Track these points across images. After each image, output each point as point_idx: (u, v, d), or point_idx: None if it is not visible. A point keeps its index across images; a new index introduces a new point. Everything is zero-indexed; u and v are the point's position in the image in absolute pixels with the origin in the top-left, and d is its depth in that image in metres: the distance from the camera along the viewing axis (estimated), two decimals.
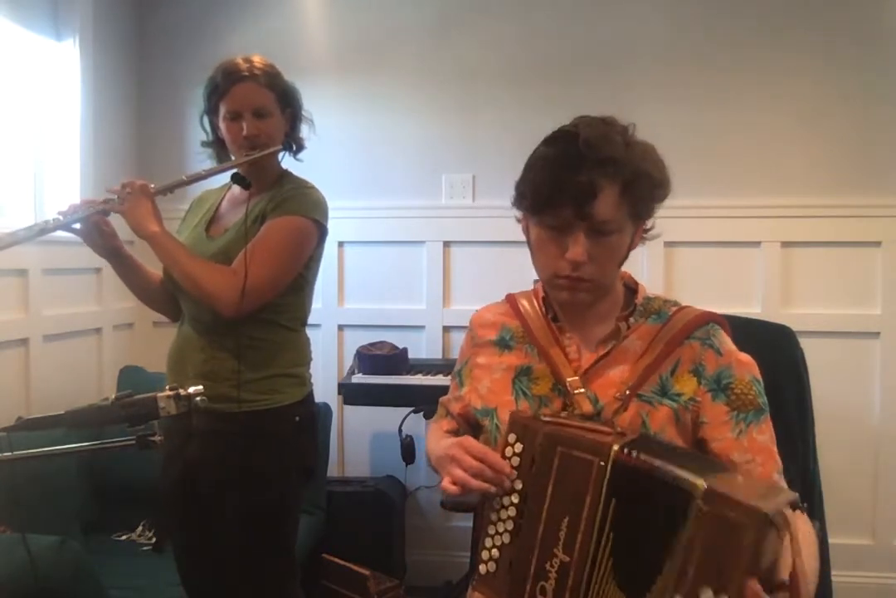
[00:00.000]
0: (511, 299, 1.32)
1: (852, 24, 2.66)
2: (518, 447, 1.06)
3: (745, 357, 1.19)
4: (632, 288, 1.26)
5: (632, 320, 1.20)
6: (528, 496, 1.05)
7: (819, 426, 1.89)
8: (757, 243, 2.72)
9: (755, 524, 0.85)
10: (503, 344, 1.27)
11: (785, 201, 2.69)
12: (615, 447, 0.98)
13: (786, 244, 2.70)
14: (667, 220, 2.72)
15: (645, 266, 2.75)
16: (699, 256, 2.76)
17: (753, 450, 1.13)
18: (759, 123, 2.72)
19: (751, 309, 2.69)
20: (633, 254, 1.18)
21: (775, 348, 1.87)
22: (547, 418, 1.07)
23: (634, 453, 0.97)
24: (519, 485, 1.06)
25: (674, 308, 1.22)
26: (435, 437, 1.30)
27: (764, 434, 1.15)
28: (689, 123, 2.75)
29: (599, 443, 0.99)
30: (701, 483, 0.90)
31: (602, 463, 0.98)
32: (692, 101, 2.75)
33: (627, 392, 1.14)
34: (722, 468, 1.04)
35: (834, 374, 2.63)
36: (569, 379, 1.17)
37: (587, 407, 1.14)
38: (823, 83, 2.68)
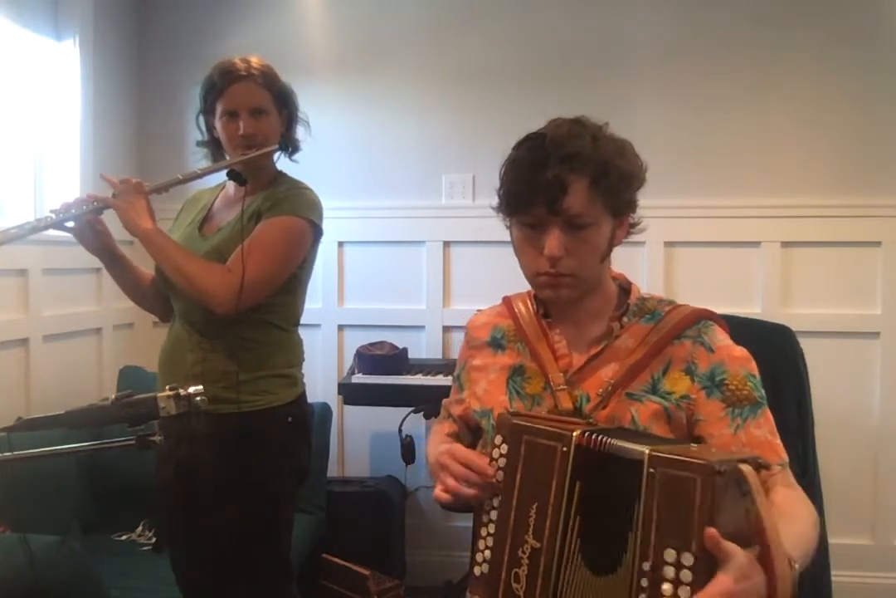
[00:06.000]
0: (506, 300, 1.34)
1: (852, 24, 2.66)
2: (504, 448, 1.07)
3: (740, 351, 1.19)
4: (626, 289, 1.26)
5: (625, 319, 1.21)
6: (506, 491, 1.06)
7: (819, 426, 1.89)
8: (757, 243, 2.72)
9: (702, 476, 0.87)
10: (496, 344, 1.29)
11: (785, 201, 2.69)
12: (576, 433, 1.00)
13: (786, 244, 2.70)
14: (667, 220, 2.77)
15: (645, 266, 2.75)
16: (699, 256, 2.76)
17: (752, 444, 1.13)
18: (758, 123, 2.72)
19: (751, 309, 2.69)
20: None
21: (775, 348, 1.87)
22: (518, 413, 1.10)
23: (595, 436, 0.99)
24: None
25: (668, 307, 1.22)
26: (434, 441, 1.32)
27: (762, 428, 1.15)
28: (689, 123, 2.75)
29: (563, 430, 1.02)
30: (645, 450, 0.93)
31: (565, 449, 1.00)
32: (692, 101, 2.75)
33: (610, 389, 1.15)
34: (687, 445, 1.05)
35: (834, 374, 2.63)
36: (551, 375, 1.18)
37: (567, 404, 1.16)
38: (823, 83, 2.68)
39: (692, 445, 1.05)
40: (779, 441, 1.16)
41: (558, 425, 1.04)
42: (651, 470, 0.92)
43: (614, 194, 1.14)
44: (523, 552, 1.01)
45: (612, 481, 0.97)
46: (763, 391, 1.18)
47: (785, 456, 1.16)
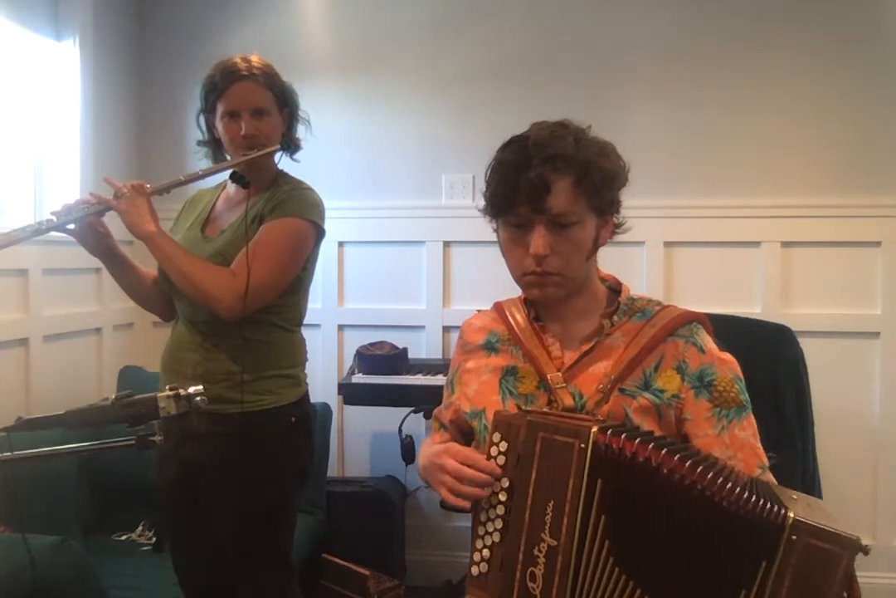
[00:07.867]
0: (498, 306, 1.35)
1: (852, 23, 2.66)
2: (503, 446, 1.07)
3: (727, 356, 1.21)
4: (616, 289, 1.28)
5: (615, 317, 1.23)
6: (514, 490, 1.05)
7: (819, 426, 1.89)
8: (757, 243, 2.72)
9: (850, 553, 0.87)
10: (490, 347, 1.30)
11: (785, 201, 2.69)
12: (594, 429, 1.00)
13: (786, 244, 2.70)
14: (667, 220, 2.76)
15: (645, 266, 2.75)
16: (699, 256, 2.76)
17: (735, 446, 1.16)
18: (758, 122, 2.71)
19: (751, 309, 2.69)
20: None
21: (775, 348, 1.88)
22: (529, 410, 1.09)
23: (622, 436, 0.99)
24: (506, 483, 1.06)
25: (657, 307, 1.25)
26: (426, 450, 1.31)
27: (745, 430, 1.17)
28: (689, 123, 2.75)
29: (579, 427, 1.01)
30: (791, 514, 0.90)
31: (583, 445, 0.99)
32: (692, 101, 2.75)
33: (610, 385, 1.16)
34: (710, 460, 1.04)
35: (834, 374, 2.62)
36: (550, 375, 1.19)
37: (569, 401, 1.16)
38: (823, 83, 2.68)
39: (795, 497, 1.01)
40: (760, 445, 1.19)
41: (573, 421, 1.04)
42: (793, 537, 0.89)
43: (597, 194, 1.16)
44: (539, 551, 1.01)
45: (702, 522, 0.95)
46: (748, 396, 1.20)
47: (765, 460, 1.18)
